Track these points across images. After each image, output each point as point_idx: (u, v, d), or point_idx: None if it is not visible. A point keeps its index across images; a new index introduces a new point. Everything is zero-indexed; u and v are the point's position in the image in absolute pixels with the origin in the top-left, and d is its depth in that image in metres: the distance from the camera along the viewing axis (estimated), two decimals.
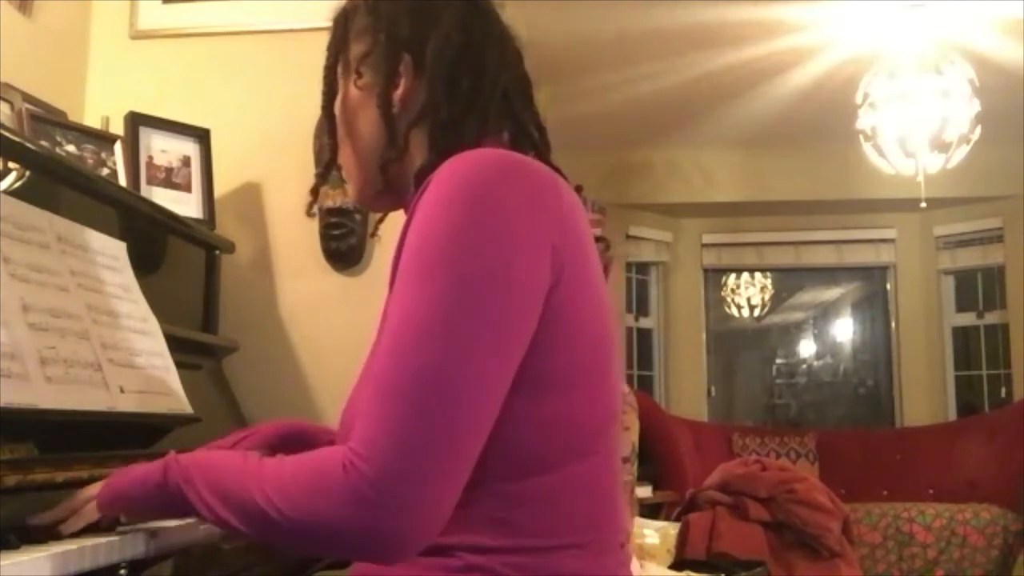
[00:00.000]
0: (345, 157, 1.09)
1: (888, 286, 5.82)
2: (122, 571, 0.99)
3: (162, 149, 2.02)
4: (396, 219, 1.17)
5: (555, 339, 0.85)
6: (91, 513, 0.98)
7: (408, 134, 1.01)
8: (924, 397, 5.50)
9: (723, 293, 6.62)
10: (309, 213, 1.23)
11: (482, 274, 0.81)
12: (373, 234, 1.22)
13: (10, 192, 1.30)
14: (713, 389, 5.89)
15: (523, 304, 0.83)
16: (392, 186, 1.04)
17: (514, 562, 0.84)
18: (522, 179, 0.88)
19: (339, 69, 1.08)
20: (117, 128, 2.03)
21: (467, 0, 1.03)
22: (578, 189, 0.99)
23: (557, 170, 0.98)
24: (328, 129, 1.10)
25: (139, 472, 0.94)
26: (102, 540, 0.97)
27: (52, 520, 0.99)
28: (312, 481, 0.81)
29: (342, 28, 1.07)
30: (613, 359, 0.93)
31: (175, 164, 2.04)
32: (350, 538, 0.80)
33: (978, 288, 5.57)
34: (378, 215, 1.20)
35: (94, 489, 0.99)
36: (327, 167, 1.15)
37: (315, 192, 1.22)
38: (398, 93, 1.01)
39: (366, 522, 0.78)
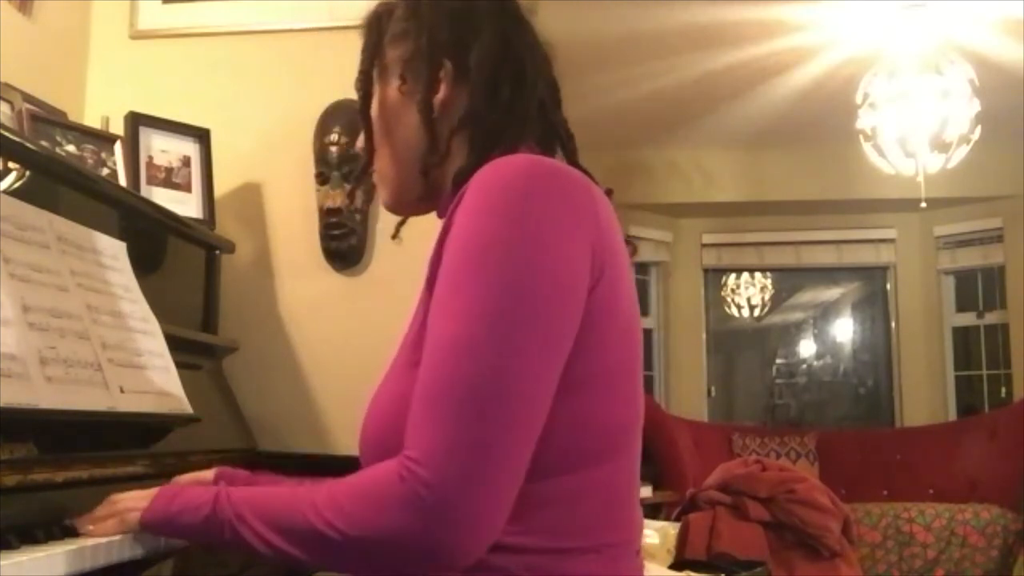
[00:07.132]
0: (382, 161, 1.08)
1: (888, 286, 5.82)
2: None
3: (162, 149, 2.02)
4: (396, 220, 1.17)
5: (589, 340, 0.85)
6: (132, 525, 0.99)
7: (451, 139, 1.00)
8: (924, 397, 5.50)
9: (723, 293, 6.61)
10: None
11: (527, 280, 0.82)
12: (395, 236, 1.18)
13: (10, 192, 1.29)
14: (713, 389, 5.89)
15: (568, 307, 0.84)
16: (432, 190, 1.04)
17: (528, 562, 0.84)
18: (559, 183, 0.88)
19: (375, 73, 1.07)
20: (117, 128, 2.03)
21: (503, 5, 1.03)
22: (608, 192, 0.99)
23: (587, 173, 0.98)
24: (364, 133, 1.09)
25: (190, 501, 0.95)
26: (102, 540, 0.98)
27: (102, 531, 0.99)
28: (369, 495, 0.82)
29: (375, 31, 1.07)
30: (638, 360, 0.94)
31: (175, 164, 2.04)
32: (412, 546, 0.80)
33: (978, 288, 5.57)
34: (400, 218, 1.17)
35: (136, 501, 1.00)
36: (363, 170, 1.13)
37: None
38: (438, 98, 1.01)
39: (427, 529, 0.78)
